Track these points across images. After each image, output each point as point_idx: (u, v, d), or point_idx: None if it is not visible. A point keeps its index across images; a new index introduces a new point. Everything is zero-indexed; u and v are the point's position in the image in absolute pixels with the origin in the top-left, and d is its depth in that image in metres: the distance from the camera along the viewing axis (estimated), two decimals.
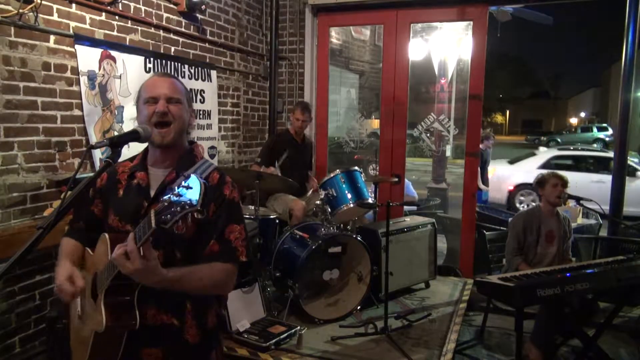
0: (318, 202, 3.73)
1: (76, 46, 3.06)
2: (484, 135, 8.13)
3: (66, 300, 1.52)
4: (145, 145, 1.66)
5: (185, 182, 1.24)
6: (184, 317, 1.56)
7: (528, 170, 9.45)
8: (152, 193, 1.57)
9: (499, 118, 49.44)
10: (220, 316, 1.71)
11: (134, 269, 1.30)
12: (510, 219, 3.73)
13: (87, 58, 3.14)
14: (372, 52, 7.92)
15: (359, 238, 3.64)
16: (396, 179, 4.31)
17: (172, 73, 3.88)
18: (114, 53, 3.33)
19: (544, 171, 3.63)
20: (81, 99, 3.12)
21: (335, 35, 6.62)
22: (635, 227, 4.55)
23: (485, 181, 7.58)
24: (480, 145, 7.73)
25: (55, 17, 2.94)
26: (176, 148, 1.61)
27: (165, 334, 1.54)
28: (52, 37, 2.92)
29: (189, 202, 1.21)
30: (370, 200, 3.80)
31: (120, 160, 1.54)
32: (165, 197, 1.23)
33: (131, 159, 1.68)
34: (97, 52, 3.22)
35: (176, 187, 1.24)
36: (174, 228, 1.25)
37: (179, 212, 1.21)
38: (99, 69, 3.23)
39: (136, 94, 1.64)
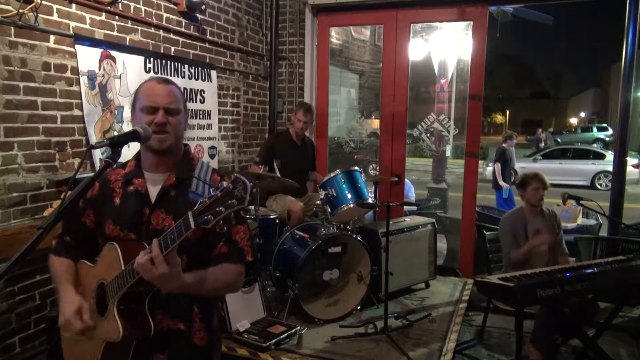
0: (318, 202, 3.73)
1: (76, 46, 3.06)
2: (507, 135, 8.33)
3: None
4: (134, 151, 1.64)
5: (219, 183, 1.27)
6: (192, 321, 1.57)
7: None
8: (153, 199, 1.56)
9: (499, 118, 49.40)
10: (221, 316, 1.72)
11: (158, 274, 1.31)
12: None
13: (87, 58, 3.14)
14: (372, 52, 7.91)
15: (359, 238, 3.64)
16: (396, 179, 4.31)
17: (172, 73, 3.89)
18: (114, 53, 3.33)
19: (528, 171, 3.62)
20: (81, 99, 3.12)
21: (335, 35, 6.62)
22: (635, 227, 4.55)
23: (506, 178, 7.60)
24: (504, 145, 7.89)
25: (55, 17, 2.94)
26: (172, 153, 1.60)
27: (173, 339, 1.54)
28: (52, 37, 2.93)
29: (233, 201, 1.23)
30: (370, 200, 3.79)
31: (115, 164, 1.53)
32: (203, 199, 1.25)
33: (123, 166, 1.65)
34: (97, 52, 3.22)
35: (211, 190, 1.27)
36: (216, 227, 1.25)
37: (224, 211, 1.23)
38: (99, 69, 3.23)
39: (132, 97, 1.61)
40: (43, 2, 2.82)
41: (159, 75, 3.70)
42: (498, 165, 7.63)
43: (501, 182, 7.52)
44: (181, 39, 4.02)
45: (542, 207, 3.56)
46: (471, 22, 4.69)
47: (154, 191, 1.57)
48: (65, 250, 1.64)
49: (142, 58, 3.59)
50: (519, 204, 3.70)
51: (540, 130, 24.44)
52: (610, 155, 13.48)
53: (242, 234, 1.58)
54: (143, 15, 3.61)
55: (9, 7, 2.66)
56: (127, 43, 3.48)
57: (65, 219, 1.63)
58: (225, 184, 1.24)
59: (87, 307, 1.49)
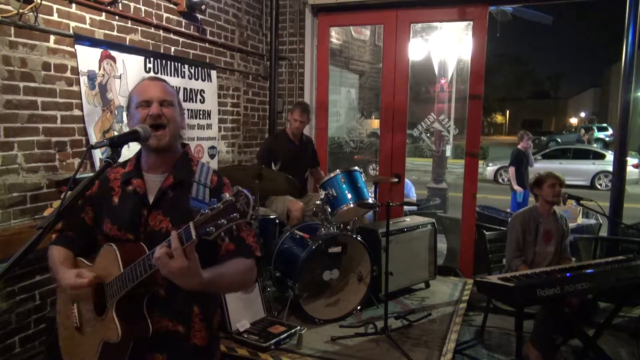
0: (318, 202, 3.73)
1: (76, 46, 3.06)
2: (519, 135, 7.93)
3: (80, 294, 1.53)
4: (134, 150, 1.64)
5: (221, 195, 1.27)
6: (192, 321, 1.56)
7: None
8: (151, 200, 1.55)
9: (499, 118, 49.46)
10: (220, 316, 1.71)
11: (177, 267, 1.27)
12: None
13: (87, 58, 3.14)
14: (372, 52, 7.92)
15: (359, 238, 3.64)
16: (396, 179, 4.31)
17: (172, 73, 3.89)
18: (114, 53, 3.33)
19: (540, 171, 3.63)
20: (81, 99, 3.13)
21: (335, 35, 6.63)
22: (635, 227, 4.55)
23: (524, 181, 7.21)
24: (519, 146, 7.54)
25: (55, 17, 2.94)
26: (171, 152, 1.60)
27: (171, 340, 1.53)
28: (52, 37, 2.93)
29: (235, 214, 1.22)
30: (370, 200, 3.79)
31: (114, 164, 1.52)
32: (205, 210, 1.24)
33: (123, 165, 1.65)
34: (97, 52, 3.22)
35: (213, 200, 1.27)
36: (217, 240, 1.26)
37: (226, 223, 1.22)
38: (99, 69, 3.23)
39: (126, 100, 1.61)
40: (43, 2, 2.82)
41: (158, 75, 3.70)
42: (512, 169, 7.49)
43: (515, 186, 7.31)
44: (181, 39, 4.02)
45: (555, 210, 3.56)
46: (471, 22, 4.69)
47: (152, 192, 1.57)
48: (66, 242, 1.64)
49: (142, 58, 3.59)
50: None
51: (583, 131, 22.85)
52: (610, 155, 13.49)
53: (247, 232, 1.58)
54: (143, 15, 3.61)
55: (9, 7, 2.66)
56: (127, 43, 3.48)
57: (66, 216, 1.62)
58: (227, 195, 1.24)
59: (85, 270, 1.49)
